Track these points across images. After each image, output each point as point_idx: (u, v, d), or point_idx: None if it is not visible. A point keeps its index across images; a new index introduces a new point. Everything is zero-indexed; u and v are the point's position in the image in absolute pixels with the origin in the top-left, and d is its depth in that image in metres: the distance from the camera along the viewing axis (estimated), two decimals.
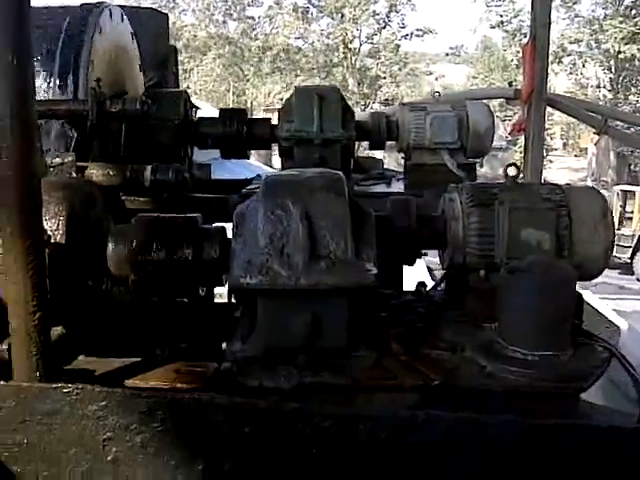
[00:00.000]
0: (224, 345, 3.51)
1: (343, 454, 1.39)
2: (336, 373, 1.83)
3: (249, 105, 36.05)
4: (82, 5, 3.93)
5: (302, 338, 1.84)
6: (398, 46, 37.91)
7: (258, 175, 4.11)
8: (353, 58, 36.49)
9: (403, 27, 37.90)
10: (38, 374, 1.62)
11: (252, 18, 40.38)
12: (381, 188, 3.92)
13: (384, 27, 37.75)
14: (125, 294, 2.32)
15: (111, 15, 4.06)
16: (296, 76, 37.88)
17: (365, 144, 4.25)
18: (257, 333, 1.91)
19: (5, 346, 1.88)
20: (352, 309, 1.87)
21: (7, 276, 1.63)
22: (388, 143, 4.10)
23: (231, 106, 35.99)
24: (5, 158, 1.61)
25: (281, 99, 36.26)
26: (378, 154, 6.18)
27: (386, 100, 35.47)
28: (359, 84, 36.00)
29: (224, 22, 40.26)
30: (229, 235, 2.13)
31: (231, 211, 2.55)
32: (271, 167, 12.94)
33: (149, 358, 2.13)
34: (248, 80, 39.73)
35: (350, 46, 36.61)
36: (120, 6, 4.20)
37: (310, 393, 1.78)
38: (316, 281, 1.80)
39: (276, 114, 3.95)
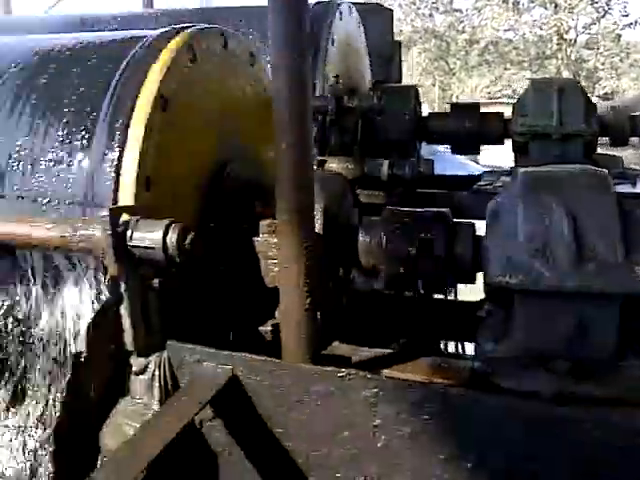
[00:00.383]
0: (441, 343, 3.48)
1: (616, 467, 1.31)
2: (601, 384, 1.73)
3: (454, 99, 35.49)
4: (317, 3, 4.08)
5: (565, 343, 1.76)
6: (619, 36, 35.31)
7: (486, 172, 4.03)
8: (568, 49, 34.55)
9: (625, 15, 35.25)
10: (307, 356, 1.70)
11: (459, 11, 39.75)
12: (625, 188, 3.66)
13: (603, 16, 35.35)
14: (370, 285, 2.38)
15: (348, 12, 4.19)
16: (505, 69, 36.70)
17: None
18: (514, 334, 1.85)
19: (269, 327, 2.01)
20: (622, 320, 1.75)
21: (283, 262, 1.73)
22: None
23: (436, 100, 35.77)
24: (285, 152, 1.71)
25: (488, 93, 35.36)
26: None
27: (605, 94, 33.17)
28: (574, 77, 34.02)
29: (430, 15, 40.02)
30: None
31: (456, 207, 2.50)
32: (477, 163, 12.60)
33: (391, 349, 2.17)
34: (454, 74, 39.20)
35: (565, 37, 34.72)
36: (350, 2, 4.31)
37: (570, 402, 1.70)
38: (583, 284, 1.71)
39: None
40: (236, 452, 1.67)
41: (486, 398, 1.44)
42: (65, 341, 1.82)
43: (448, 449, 1.43)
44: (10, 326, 1.90)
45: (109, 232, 1.61)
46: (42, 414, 1.81)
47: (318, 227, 2.13)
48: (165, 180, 1.87)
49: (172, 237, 1.59)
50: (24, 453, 1.82)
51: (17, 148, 1.91)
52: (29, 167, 1.89)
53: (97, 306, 1.80)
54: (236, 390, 1.63)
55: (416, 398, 1.44)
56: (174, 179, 1.93)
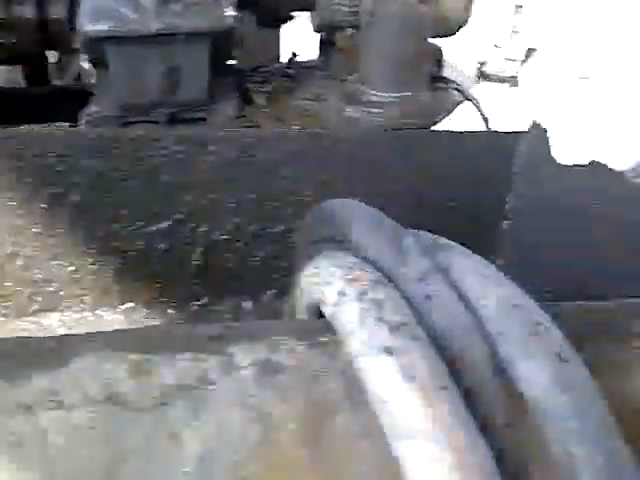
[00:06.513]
0: None
1: (193, 177, 1.34)
2: (197, 125, 1.76)
3: None
4: None
5: (159, 91, 1.73)
6: None
7: None
8: None
9: None
10: None
11: None
12: None
13: None
14: None
15: None
16: None
17: None
18: (110, 90, 1.78)
19: None
20: (212, 59, 1.76)
21: None
22: None
23: None
24: None
25: None
26: None
27: None
28: None
29: None
30: None
31: None
32: None
33: None
34: None
35: None
36: None
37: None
38: (168, 24, 1.67)
39: None
40: None
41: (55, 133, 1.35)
42: None
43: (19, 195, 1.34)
44: None
45: None
46: None
47: None
48: None
49: None
50: None
51: None
52: None
53: None
54: None
55: None
56: None
